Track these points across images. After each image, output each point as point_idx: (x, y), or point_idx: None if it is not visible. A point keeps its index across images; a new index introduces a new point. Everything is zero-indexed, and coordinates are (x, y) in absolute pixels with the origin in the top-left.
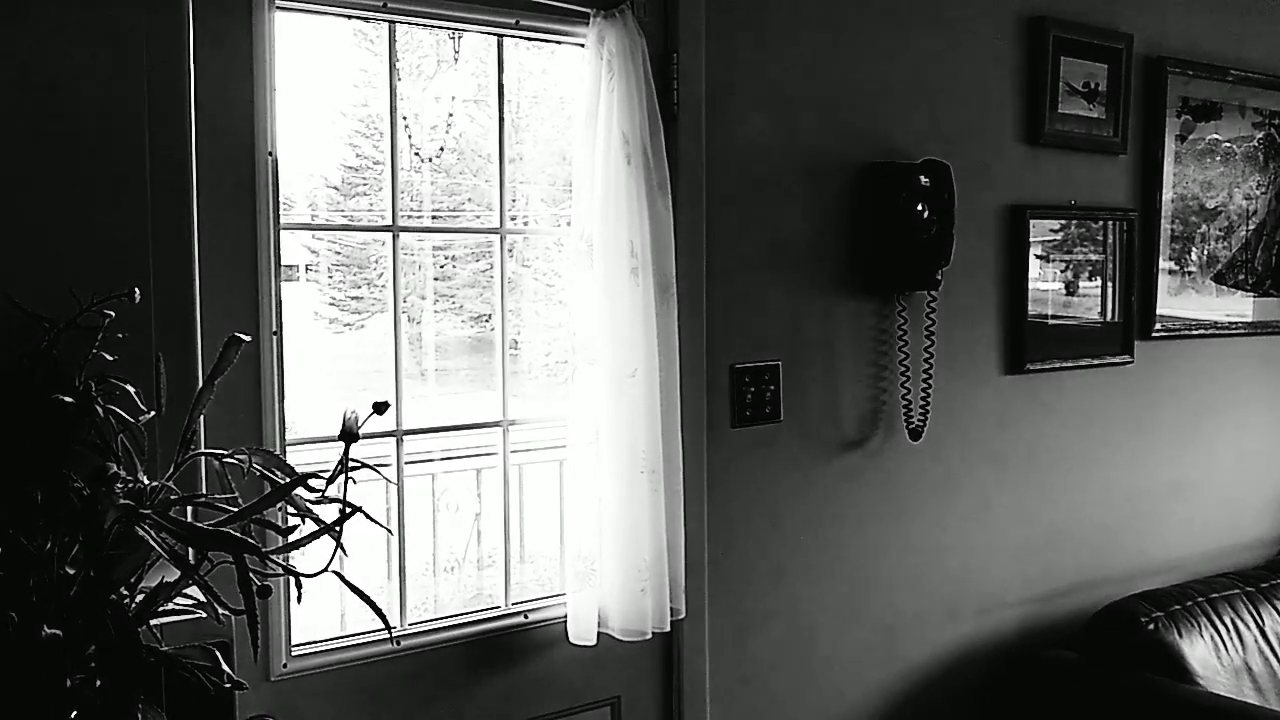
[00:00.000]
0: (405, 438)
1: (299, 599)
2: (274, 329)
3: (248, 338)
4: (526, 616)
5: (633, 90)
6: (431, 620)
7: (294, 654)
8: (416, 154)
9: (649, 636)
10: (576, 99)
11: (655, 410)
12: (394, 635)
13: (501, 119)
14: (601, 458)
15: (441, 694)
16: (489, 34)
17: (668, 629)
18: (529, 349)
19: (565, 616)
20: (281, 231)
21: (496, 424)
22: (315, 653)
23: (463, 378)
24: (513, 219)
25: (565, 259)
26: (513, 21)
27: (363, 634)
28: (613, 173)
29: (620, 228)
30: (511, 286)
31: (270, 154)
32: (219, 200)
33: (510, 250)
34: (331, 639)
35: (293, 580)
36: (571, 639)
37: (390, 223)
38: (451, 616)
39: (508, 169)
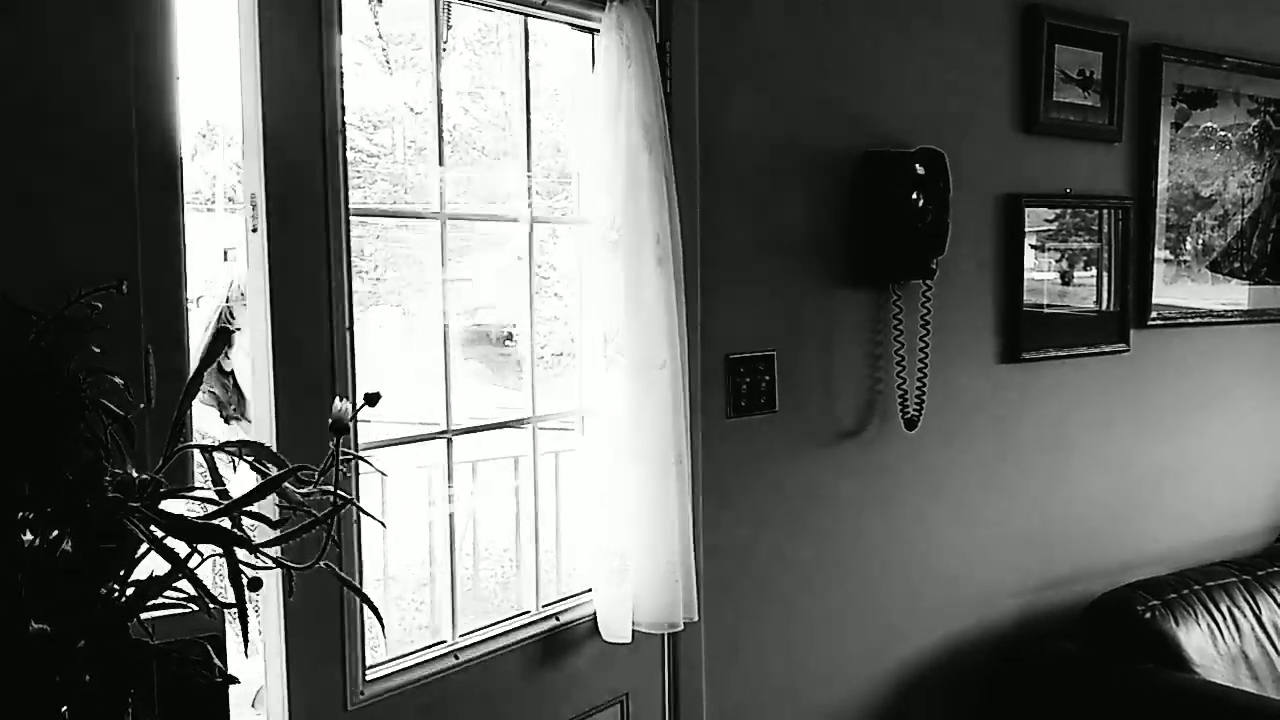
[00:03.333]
0: (424, 433)
1: (290, 592)
2: (347, 324)
3: (236, 328)
4: (558, 619)
5: (648, 77)
6: (480, 630)
7: (368, 678)
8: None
9: (681, 628)
10: (593, 86)
11: (682, 402)
12: (451, 649)
13: (528, 99)
14: (636, 450)
15: (501, 705)
16: (516, 13)
17: (695, 618)
18: (525, 341)
19: (590, 615)
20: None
21: (526, 421)
22: (384, 676)
23: (463, 370)
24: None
25: (590, 250)
26: (540, 1)
27: (423, 650)
28: (636, 161)
29: (646, 217)
30: (507, 279)
31: (341, 129)
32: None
33: (506, 243)
34: (394, 659)
35: (283, 573)
36: (606, 637)
37: (439, 210)
38: (497, 624)
39: (504, 162)
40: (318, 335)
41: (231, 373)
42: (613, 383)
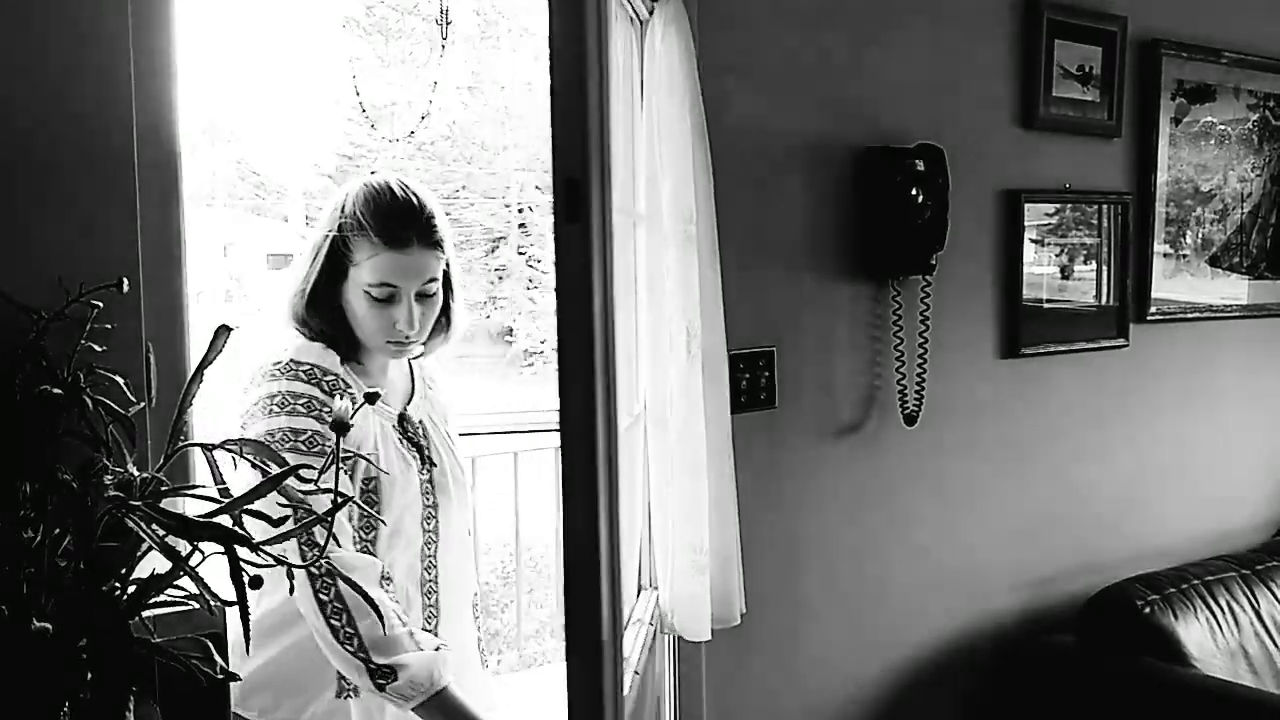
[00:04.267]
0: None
1: (290, 590)
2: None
3: (235, 325)
4: (652, 624)
5: (693, 71)
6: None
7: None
8: (395, 140)
9: (738, 622)
10: (654, 79)
11: (728, 394)
12: (631, 667)
13: (642, 85)
14: (710, 443)
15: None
16: None
17: (745, 611)
18: (524, 337)
19: (662, 615)
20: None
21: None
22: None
23: (462, 365)
24: (505, 206)
25: (670, 243)
26: None
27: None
28: (696, 156)
29: (706, 211)
30: (506, 275)
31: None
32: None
33: (505, 239)
34: None
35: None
36: (687, 636)
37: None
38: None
39: (504, 156)
40: (607, 321)
41: (339, 306)
42: (694, 376)
